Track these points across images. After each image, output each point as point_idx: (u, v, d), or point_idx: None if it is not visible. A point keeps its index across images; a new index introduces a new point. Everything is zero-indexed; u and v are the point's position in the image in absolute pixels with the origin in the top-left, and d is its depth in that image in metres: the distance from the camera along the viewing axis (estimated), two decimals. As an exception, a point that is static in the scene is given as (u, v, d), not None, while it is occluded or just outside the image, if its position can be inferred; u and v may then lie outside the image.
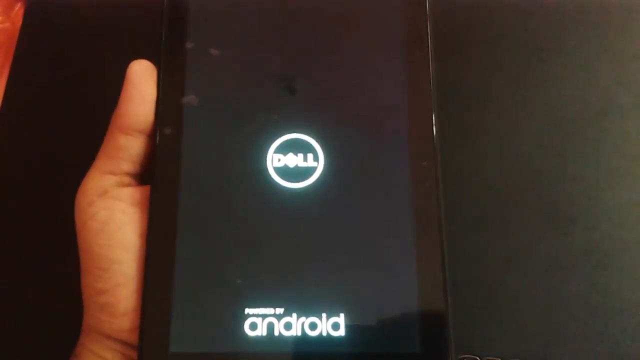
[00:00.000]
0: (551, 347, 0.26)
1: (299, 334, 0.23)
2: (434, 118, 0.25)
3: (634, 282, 0.27)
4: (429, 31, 0.26)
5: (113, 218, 0.24)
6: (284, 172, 0.25)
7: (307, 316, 0.23)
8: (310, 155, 0.25)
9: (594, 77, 0.30)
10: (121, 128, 0.24)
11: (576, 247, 0.28)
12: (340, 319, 0.23)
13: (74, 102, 0.32)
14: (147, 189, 0.25)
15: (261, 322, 0.23)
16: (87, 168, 0.25)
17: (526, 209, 0.28)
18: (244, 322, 0.23)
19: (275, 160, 0.25)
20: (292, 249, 0.24)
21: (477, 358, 0.26)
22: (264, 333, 0.23)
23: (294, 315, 0.23)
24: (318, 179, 0.25)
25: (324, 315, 0.23)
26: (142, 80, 0.25)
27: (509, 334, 0.26)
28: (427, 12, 0.26)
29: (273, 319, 0.23)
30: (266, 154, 0.25)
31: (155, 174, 0.24)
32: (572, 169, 0.29)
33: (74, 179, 0.25)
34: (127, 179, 0.25)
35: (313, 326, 0.23)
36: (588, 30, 0.31)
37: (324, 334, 0.23)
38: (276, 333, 0.23)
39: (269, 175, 0.25)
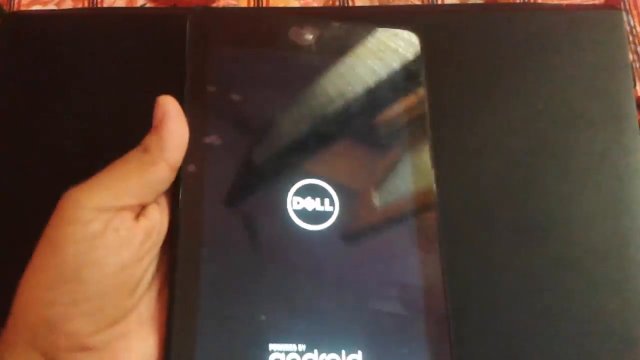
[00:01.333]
0: (526, 358, 0.27)
1: (321, 369, 0.24)
2: (433, 174, 0.28)
3: (608, 291, 0.28)
4: (424, 82, 0.29)
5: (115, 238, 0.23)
6: (303, 214, 0.26)
7: (327, 352, 0.24)
8: (327, 200, 0.27)
9: (562, 90, 0.32)
10: (168, 160, 0.24)
11: (549, 257, 0.29)
12: (359, 356, 0.25)
13: (50, 115, 0.31)
14: (144, 224, 0.24)
15: (284, 357, 0.24)
16: (63, 179, 0.24)
17: (498, 220, 0.29)
18: (268, 357, 0.24)
19: (294, 203, 0.26)
20: (313, 287, 0.25)
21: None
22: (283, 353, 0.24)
23: (315, 351, 0.24)
24: (334, 222, 0.26)
25: (343, 351, 0.24)
26: (180, 115, 0.25)
27: (482, 345, 0.27)
28: (423, 70, 0.29)
29: (296, 355, 0.24)
30: (286, 197, 0.26)
31: (178, 211, 0.25)
32: (543, 180, 0.30)
33: (51, 193, 0.24)
34: (137, 209, 0.25)
35: (333, 362, 0.24)
36: (557, 43, 0.32)
37: (344, 369, 0.24)
38: (298, 368, 0.24)
39: (289, 217, 0.26)
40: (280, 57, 0.29)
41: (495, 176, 0.30)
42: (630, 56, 0.34)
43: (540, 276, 0.28)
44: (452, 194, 0.29)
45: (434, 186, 0.28)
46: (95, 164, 0.25)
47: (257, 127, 0.28)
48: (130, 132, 0.25)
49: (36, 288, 0.22)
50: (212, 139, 0.27)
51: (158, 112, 0.25)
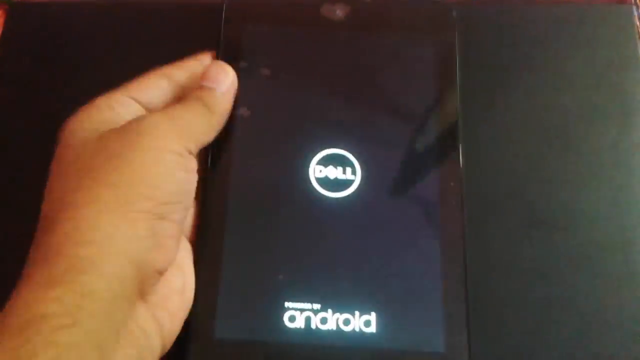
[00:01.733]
0: (533, 352, 0.27)
1: (334, 328, 0.25)
2: (459, 139, 0.28)
3: (616, 285, 0.28)
4: (456, 61, 0.29)
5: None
6: (325, 182, 0.27)
7: (341, 312, 0.25)
8: (348, 169, 0.27)
9: (573, 84, 0.31)
10: (223, 113, 0.27)
11: (558, 250, 0.29)
12: (372, 317, 0.25)
13: (56, 105, 0.29)
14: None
15: (299, 315, 0.25)
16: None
17: (508, 213, 0.29)
18: (284, 314, 0.25)
19: (317, 171, 0.27)
20: (331, 251, 0.26)
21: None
22: (302, 326, 0.25)
23: (330, 311, 0.25)
24: (355, 190, 0.27)
25: (357, 312, 0.25)
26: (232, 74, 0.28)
27: (491, 338, 0.27)
28: (456, 48, 0.29)
29: (310, 314, 0.25)
30: (309, 165, 0.27)
31: (208, 177, 0.27)
32: (553, 173, 0.30)
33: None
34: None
35: (347, 322, 0.25)
36: (567, 38, 0.32)
37: (356, 329, 0.25)
38: (312, 326, 0.25)
39: (311, 184, 0.27)
40: (312, 33, 0.30)
41: (505, 169, 0.30)
42: None
43: (548, 269, 0.28)
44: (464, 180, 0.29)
45: (460, 158, 0.28)
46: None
47: (286, 100, 0.29)
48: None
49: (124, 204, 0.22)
50: (242, 111, 0.28)
51: (212, 71, 0.27)
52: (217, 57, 0.29)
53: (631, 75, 0.32)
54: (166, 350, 0.24)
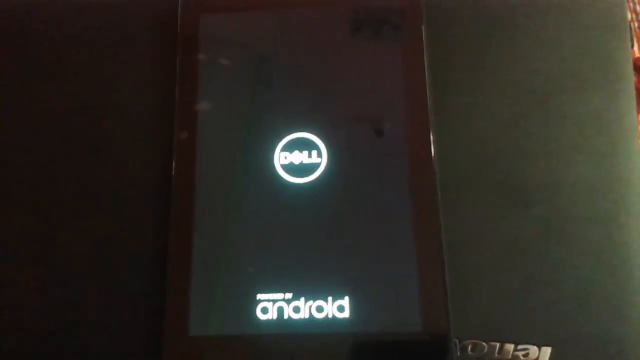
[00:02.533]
0: (512, 328, 0.26)
1: (307, 316, 0.24)
2: (430, 110, 0.27)
3: (595, 259, 0.27)
4: (423, 36, 0.28)
5: None
6: (290, 168, 0.27)
7: (314, 300, 0.25)
8: (314, 152, 0.27)
9: (556, 49, 0.30)
10: None
11: (536, 222, 0.27)
12: (345, 302, 0.25)
13: (39, 105, 0.30)
14: None
15: (272, 306, 0.25)
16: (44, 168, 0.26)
17: (484, 183, 0.28)
18: (257, 306, 0.25)
19: (282, 158, 0.27)
20: (299, 238, 0.26)
21: (484, 343, 0.27)
22: (275, 316, 0.25)
23: (302, 299, 0.25)
24: (322, 173, 0.26)
25: (329, 298, 0.25)
26: None
27: (467, 314, 0.26)
28: (423, 12, 0.28)
29: (283, 303, 0.25)
30: (274, 153, 0.27)
31: (173, 173, 0.27)
32: (532, 143, 0.29)
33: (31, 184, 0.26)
34: None
35: (320, 309, 0.25)
36: (551, 4, 0.30)
37: (330, 315, 0.24)
38: (286, 316, 0.25)
39: (277, 172, 0.27)
40: (271, 16, 0.29)
41: (482, 137, 0.28)
42: (629, 15, 0.31)
43: (525, 242, 0.27)
44: (438, 154, 0.28)
45: (430, 130, 0.27)
46: (88, 158, 0.27)
47: (247, 88, 0.28)
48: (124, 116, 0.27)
49: None
50: (203, 105, 0.27)
51: None
52: (177, 50, 0.28)
53: (617, 41, 0.30)
54: None
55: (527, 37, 0.30)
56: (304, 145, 0.27)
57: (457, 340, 0.26)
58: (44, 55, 0.31)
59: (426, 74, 0.28)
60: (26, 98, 0.30)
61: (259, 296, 0.25)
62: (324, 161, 0.27)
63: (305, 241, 0.26)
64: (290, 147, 0.27)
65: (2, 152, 0.29)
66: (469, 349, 0.26)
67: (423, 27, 0.29)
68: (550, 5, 0.31)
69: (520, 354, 0.26)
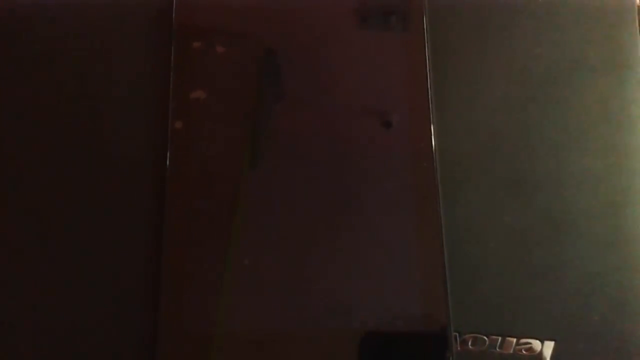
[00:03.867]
0: (514, 319, 0.26)
1: (305, 311, 0.24)
2: (430, 95, 0.27)
3: (600, 251, 0.26)
4: (425, 26, 0.28)
5: None
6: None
7: (313, 295, 0.24)
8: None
9: (562, 34, 0.29)
10: None
11: (540, 213, 0.27)
12: (345, 296, 0.24)
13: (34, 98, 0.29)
14: None
15: (271, 302, 0.24)
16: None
17: (488, 172, 0.27)
18: (255, 302, 0.24)
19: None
20: (298, 232, 0.25)
21: (485, 337, 0.27)
22: (273, 312, 0.24)
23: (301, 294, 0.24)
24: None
25: (329, 293, 0.24)
26: None
27: (468, 306, 0.26)
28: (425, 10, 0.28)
29: (281, 299, 0.24)
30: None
31: (169, 167, 0.26)
32: (536, 131, 0.28)
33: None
34: None
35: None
36: None
37: (329, 310, 0.24)
38: (284, 312, 0.24)
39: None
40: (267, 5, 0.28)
41: (486, 125, 0.28)
42: (637, 0, 0.31)
43: (529, 233, 0.26)
44: (439, 143, 0.27)
45: (431, 115, 0.26)
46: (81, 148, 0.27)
47: (241, 77, 0.28)
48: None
49: None
50: (197, 94, 0.27)
51: None
52: (171, 39, 0.28)
53: (625, 27, 0.29)
54: None
55: (531, 22, 0.29)
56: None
57: (457, 334, 0.25)
58: (39, 46, 0.30)
59: (428, 64, 0.27)
60: (20, 91, 0.29)
61: (257, 292, 0.24)
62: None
63: (305, 234, 0.25)
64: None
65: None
66: (470, 342, 0.26)
67: (425, 17, 0.28)
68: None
69: (522, 347, 0.26)
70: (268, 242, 0.25)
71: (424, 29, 0.28)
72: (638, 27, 0.29)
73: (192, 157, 0.26)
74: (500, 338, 0.26)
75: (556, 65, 0.29)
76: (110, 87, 0.29)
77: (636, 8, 0.29)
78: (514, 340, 0.26)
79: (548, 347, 0.26)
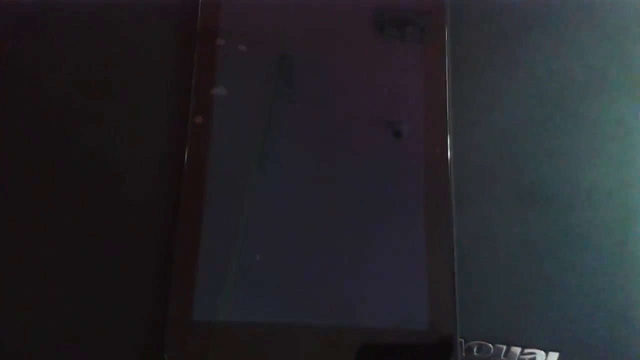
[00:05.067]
0: (521, 329, 0.26)
1: (313, 307, 0.24)
2: (448, 105, 0.27)
3: (613, 265, 0.26)
4: (446, 38, 0.28)
5: None
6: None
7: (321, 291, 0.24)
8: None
9: (581, 52, 0.29)
10: None
11: (554, 227, 0.27)
12: (353, 295, 0.24)
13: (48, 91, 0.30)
14: None
15: (279, 295, 0.25)
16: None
17: (501, 184, 0.28)
18: (263, 294, 0.25)
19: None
20: (310, 230, 0.26)
21: (490, 345, 0.27)
22: (281, 306, 0.24)
23: (309, 290, 0.25)
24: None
25: (337, 291, 0.24)
26: None
27: (479, 316, 0.26)
28: (447, 20, 0.28)
29: (290, 293, 0.25)
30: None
31: (187, 159, 0.27)
32: (553, 145, 0.28)
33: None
34: None
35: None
36: (577, 4, 0.30)
37: (337, 308, 0.24)
38: (292, 306, 0.24)
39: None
40: (289, 8, 0.29)
41: (501, 138, 0.28)
42: None
43: (540, 246, 0.26)
44: (454, 153, 0.28)
45: (448, 125, 0.27)
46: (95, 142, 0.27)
47: (263, 77, 0.28)
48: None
49: None
50: (219, 90, 0.27)
51: None
52: (196, 34, 0.28)
53: None
54: None
55: (550, 37, 0.30)
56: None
57: (462, 341, 0.25)
58: (55, 39, 0.30)
59: (447, 75, 0.28)
60: (44, 84, 0.30)
61: (266, 284, 0.25)
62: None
63: (316, 233, 0.25)
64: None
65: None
66: (475, 350, 0.26)
67: (446, 28, 0.28)
68: (575, 6, 0.30)
69: (526, 357, 0.26)
70: (281, 236, 0.25)
71: (444, 40, 0.28)
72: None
73: (210, 150, 0.27)
74: (505, 347, 0.26)
75: (574, 80, 0.29)
76: (133, 81, 0.29)
77: None
78: (519, 349, 0.26)
79: (552, 358, 0.26)
